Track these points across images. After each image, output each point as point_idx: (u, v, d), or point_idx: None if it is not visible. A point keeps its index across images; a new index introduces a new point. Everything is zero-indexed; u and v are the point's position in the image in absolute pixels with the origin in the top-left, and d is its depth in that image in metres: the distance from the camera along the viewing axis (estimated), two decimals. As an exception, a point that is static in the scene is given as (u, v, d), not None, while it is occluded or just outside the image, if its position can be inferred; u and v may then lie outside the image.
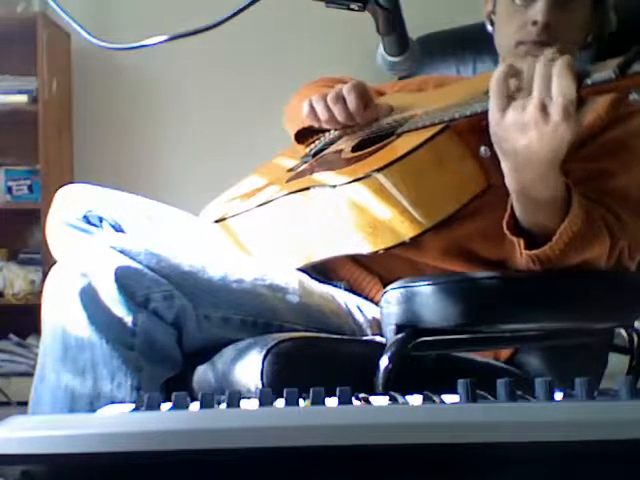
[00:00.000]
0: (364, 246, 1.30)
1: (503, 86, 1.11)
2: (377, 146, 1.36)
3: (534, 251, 1.19)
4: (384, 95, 1.70)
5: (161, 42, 1.11)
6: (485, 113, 1.15)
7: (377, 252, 1.30)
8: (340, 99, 1.47)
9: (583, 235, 1.18)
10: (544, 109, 1.06)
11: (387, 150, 1.32)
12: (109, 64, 3.37)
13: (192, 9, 2.86)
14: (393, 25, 1.22)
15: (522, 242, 1.19)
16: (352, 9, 1.19)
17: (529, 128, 1.08)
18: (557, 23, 1.39)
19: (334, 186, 1.31)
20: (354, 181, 1.27)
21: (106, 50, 1.18)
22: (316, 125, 1.55)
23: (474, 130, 1.26)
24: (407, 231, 1.25)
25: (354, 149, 1.44)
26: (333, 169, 1.39)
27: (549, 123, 1.07)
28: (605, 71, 1.05)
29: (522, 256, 1.21)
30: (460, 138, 1.27)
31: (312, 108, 1.50)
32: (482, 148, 1.25)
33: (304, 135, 1.64)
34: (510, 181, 1.17)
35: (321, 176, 1.39)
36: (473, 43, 1.91)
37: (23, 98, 3.22)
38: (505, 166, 1.16)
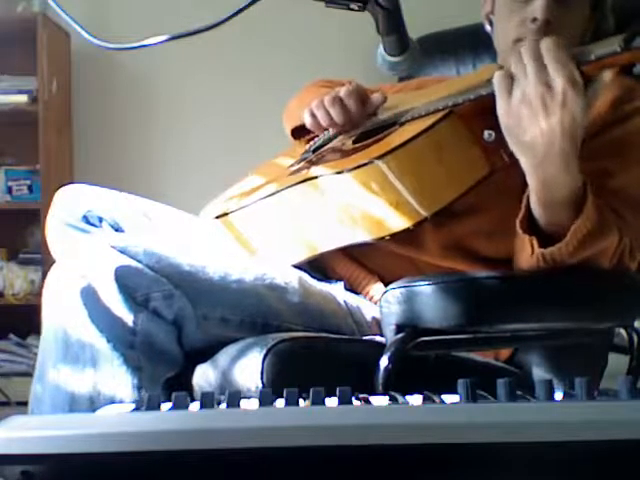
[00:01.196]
0: (367, 234, 1.30)
1: (505, 79, 1.12)
2: (379, 136, 1.36)
3: (549, 249, 1.18)
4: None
5: (161, 42, 1.11)
6: (489, 96, 1.15)
7: (383, 238, 1.29)
8: (337, 100, 1.47)
9: (596, 232, 1.18)
10: (546, 83, 1.07)
11: (389, 138, 1.32)
12: (109, 64, 3.37)
13: (192, 9, 2.86)
14: (393, 25, 1.21)
15: (535, 240, 1.19)
16: (352, 9, 1.19)
17: (537, 107, 1.09)
18: (556, 20, 1.39)
19: (336, 173, 1.31)
20: (355, 168, 1.27)
21: (106, 50, 1.18)
22: (320, 133, 1.56)
23: (478, 114, 1.26)
24: (408, 218, 1.25)
25: (355, 141, 1.44)
26: (335, 160, 1.39)
27: (554, 96, 1.07)
28: (610, 45, 1.06)
29: (533, 255, 1.20)
30: (463, 123, 1.27)
31: (314, 116, 1.51)
32: (486, 132, 1.24)
33: (302, 133, 1.64)
34: (532, 180, 1.17)
35: (323, 167, 1.39)
36: (473, 43, 1.91)
37: (23, 98, 3.21)
38: (525, 163, 1.16)
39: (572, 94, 1.06)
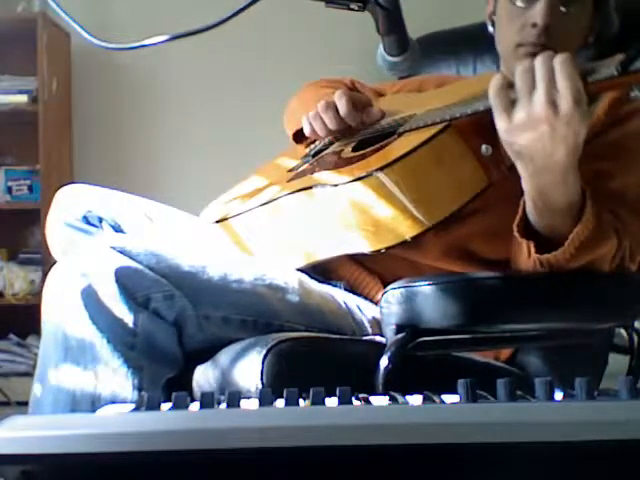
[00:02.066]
0: (365, 245, 1.30)
1: (502, 93, 1.10)
2: (378, 145, 1.36)
3: (545, 255, 1.18)
4: (384, 96, 1.70)
5: (161, 42, 1.11)
6: (487, 111, 1.15)
7: (379, 251, 1.29)
8: (331, 106, 1.48)
9: (593, 239, 1.17)
10: (552, 103, 1.05)
11: (388, 149, 1.32)
12: (109, 64, 3.37)
13: (192, 9, 2.87)
14: (393, 25, 1.21)
15: (532, 246, 1.19)
16: (352, 9, 1.19)
17: (540, 126, 1.07)
18: (557, 25, 1.38)
19: (335, 185, 1.31)
20: (355, 180, 1.27)
21: (106, 50, 1.18)
22: (319, 139, 1.57)
23: (475, 128, 1.26)
24: (408, 230, 1.25)
25: (355, 149, 1.44)
26: (334, 168, 1.39)
27: (560, 116, 1.05)
28: (607, 68, 1.05)
29: (530, 259, 1.20)
30: (461, 137, 1.27)
31: (312, 127, 1.51)
32: (483, 146, 1.25)
33: (303, 135, 1.64)
34: (528, 187, 1.16)
35: (322, 175, 1.39)
36: (473, 43, 1.91)
37: (23, 98, 3.22)
38: (522, 171, 1.15)
39: (576, 114, 1.05)
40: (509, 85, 1.11)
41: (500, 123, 1.11)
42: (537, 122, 1.07)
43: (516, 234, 1.21)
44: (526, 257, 1.21)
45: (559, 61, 1.06)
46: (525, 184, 1.16)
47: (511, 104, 1.09)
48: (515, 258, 1.25)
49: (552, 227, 1.19)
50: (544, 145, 1.08)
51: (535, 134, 1.08)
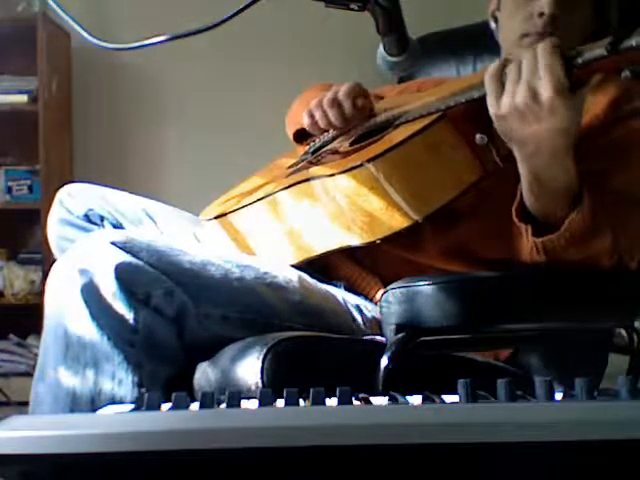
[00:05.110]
0: (359, 237, 1.30)
1: (496, 77, 1.13)
2: (374, 138, 1.37)
3: (541, 238, 1.19)
4: (383, 99, 1.70)
5: (161, 42, 1.11)
6: (482, 99, 1.16)
7: (373, 242, 1.29)
8: (335, 102, 1.48)
9: (589, 228, 1.18)
10: (533, 89, 1.09)
11: (382, 141, 1.32)
12: (109, 64, 3.37)
13: (192, 9, 2.86)
14: (393, 25, 1.21)
15: (530, 229, 1.20)
16: (352, 9, 1.19)
17: (524, 114, 1.10)
18: (563, 16, 1.39)
19: (329, 176, 1.31)
20: (347, 171, 1.27)
21: (106, 50, 1.18)
22: (318, 134, 1.57)
23: (470, 118, 1.26)
24: (400, 222, 1.25)
25: (352, 144, 1.45)
26: (331, 162, 1.39)
27: (540, 102, 1.08)
28: (597, 49, 1.06)
29: (528, 243, 1.21)
30: (455, 126, 1.27)
31: (312, 117, 1.51)
32: (478, 136, 1.25)
33: (303, 136, 1.64)
34: (523, 168, 1.18)
35: (318, 169, 1.39)
36: (473, 43, 1.91)
37: (23, 98, 3.22)
38: (517, 154, 1.18)
39: (559, 102, 1.08)
40: (505, 67, 1.14)
41: (490, 107, 1.14)
42: (521, 110, 1.10)
43: (514, 218, 1.21)
44: (525, 242, 1.22)
45: (540, 51, 1.09)
46: (521, 167, 1.18)
47: (501, 88, 1.13)
48: (515, 245, 1.25)
49: (548, 212, 1.20)
50: (532, 131, 1.11)
51: (522, 120, 1.11)
